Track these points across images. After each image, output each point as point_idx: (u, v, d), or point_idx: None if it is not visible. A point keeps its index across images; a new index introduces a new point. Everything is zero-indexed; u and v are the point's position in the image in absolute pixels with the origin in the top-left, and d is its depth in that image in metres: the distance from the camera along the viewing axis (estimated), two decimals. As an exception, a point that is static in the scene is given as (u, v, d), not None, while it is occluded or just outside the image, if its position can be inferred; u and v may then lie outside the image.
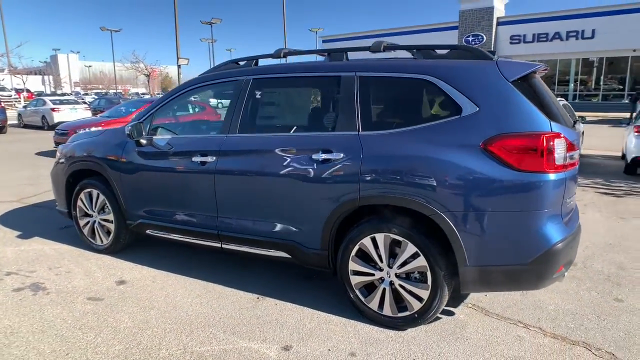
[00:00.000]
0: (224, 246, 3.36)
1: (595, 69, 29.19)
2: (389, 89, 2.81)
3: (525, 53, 30.20)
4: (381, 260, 2.73)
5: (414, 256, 2.62)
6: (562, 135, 2.37)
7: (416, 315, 2.68)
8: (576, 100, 28.39)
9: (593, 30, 27.03)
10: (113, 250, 4.03)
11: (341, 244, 2.85)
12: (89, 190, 4.04)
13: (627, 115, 19.51)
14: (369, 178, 2.64)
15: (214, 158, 3.21)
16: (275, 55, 3.30)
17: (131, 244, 4.15)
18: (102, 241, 4.07)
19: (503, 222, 2.40)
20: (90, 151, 3.98)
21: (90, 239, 4.16)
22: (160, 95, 4.34)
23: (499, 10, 31.20)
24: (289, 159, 2.93)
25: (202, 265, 3.81)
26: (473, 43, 31.65)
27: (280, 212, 3.03)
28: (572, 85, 29.48)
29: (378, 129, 2.71)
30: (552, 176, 2.34)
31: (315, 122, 3.09)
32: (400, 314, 2.73)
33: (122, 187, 3.73)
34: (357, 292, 2.85)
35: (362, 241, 2.75)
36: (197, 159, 3.29)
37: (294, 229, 2.99)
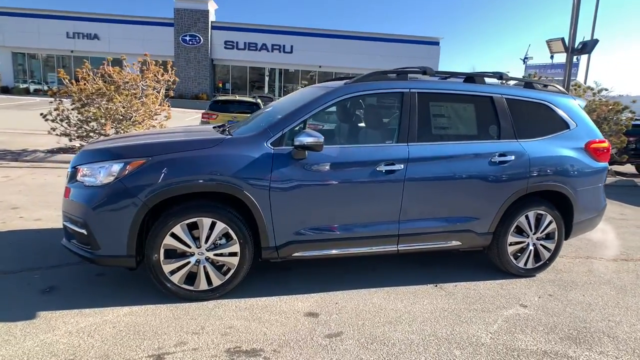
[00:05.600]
0: (400, 248, 3.56)
1: (294, 79, 35.77)
2: (525, 108, 3.90)
3: (238, 59, 33.70)
4: (531, 230, 3.87)
5: (549, 223, 3.91)
6: (606, 140, 4.23)
7: (547, 262, 3.99)
8: (282, 103, 34.12)
9: (292, 46, 33.15)
10: (221, 292, 3.22)
11: (501, 224, 3.78)
12: (192, 220, 3.04)
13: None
14: (534, 173, 3.72)
15: (402, 166, 3.39)
16: (429, 72, 3.75)
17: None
18: (209, 283, 3.17)
19: (593, 191, 4.04)
20: (202, 170, 3.02)
21: (184, 285, 3.13)
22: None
23: (212, 14, 33.25)
24: (473, 163, 3.59)
25: (332, 277, 3.70)
26: (190, 43, 32.56)
27: (463, 207, 3.61)
28: (276, 92, 35.00)
29: (527, 138, 3.80)
30: (607, 164, 4.16)
31: (482, 132, 3.75)
32: (536, 264, 3.96)
33: (272, 207, 3.14)
34: (511, 257, 3.87)
35: (519, 219, 3.80)
36: (381, 168, 3.34)
37: (472, 219, 3.66)
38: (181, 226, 3.03)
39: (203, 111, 10.98)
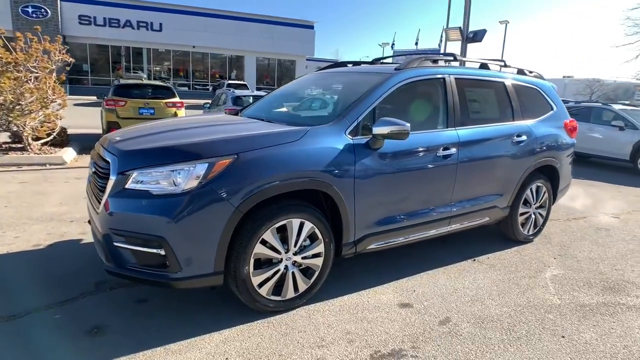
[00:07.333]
0: (449, 229, 3.71)
1: (165, 60, 32.79)
2: (525, 93, 4.33)
3: (97, 36, 29.67)
4: (533, 201, 4.40)
5: (544, 194, 4.49)
6: (570, 120, 4.96)
7: (541, 227, 4.60)
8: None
9: (161, 24, 30.28)
10: (307, 298, 2.95)
11: (516, 198, 4.21)
12: (282, 223, 2.71)
13: (208, 101, 24.27)
14: (539, 150, 4.21)
15: (455, 150, 3.51)
16: (458, 59, 3.88)
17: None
18: (296, 290, 2.88)
19: (569, 163, 4.75)
20: (296, 167, 2.70)
21: (272, 296, 2.79)
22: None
23: (59, -16, 28.33)
24: (502, 143, 3.91)
25: (384, 266, 3.69)
26: (34, 16, 27.47)
27: (494, 185, 3.92)
28: (146, 74, 31.67)
29: (530, 119, 4.27)
30: (575, 140, 4.91)
31: (502, 115, 4.03)
32: (535, 230, 4.54)
33: (356, 201, 2.97)
34: (520, 226, 4.36)
35: (527, 192, 4.29)
36: (440, 153, 3.42)
37: (499, 195, 4.00)
38: (271, 231, 2.68)
39: (106, 97, 9.44)
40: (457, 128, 3.60)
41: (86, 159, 8.11)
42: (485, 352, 2.52)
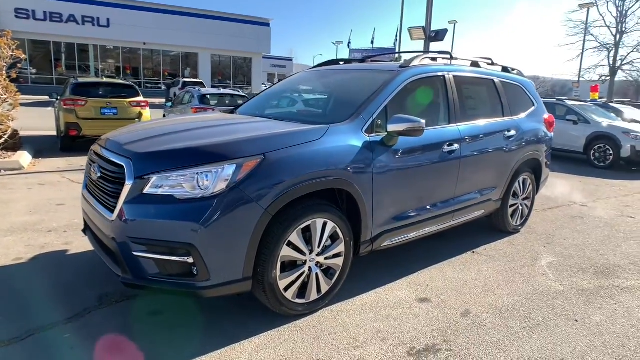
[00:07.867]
0: (452, 223, 3.79)
1: (113, 57, 31.14)
2: (511, 90, 4.50)
3: (37, 31, 27.78)
4: (521, 193, 4.59)
5: (530, 185, 4.71)
6: (547, 115, 5.23)
7: (527, 218, 4.82)
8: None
9: (108, 20, 28.74)
10: (329, 299, 2.92)
11: (507, 190, 4.38)
12: (307, 223, 2.65)
13: (162, 100, 23.34)
14: (526, 144, 4.40)
15: (458, 146, 3.60)
16: (452, 57, 3.97)
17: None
18: (319, 291, 2.83)
19: (548, 155, 4.99)
20: (321, 166, 2.64)
21: (297, 300, 2.72)
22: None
23: (-9, -26, 26.14)
24: (496, 138, 4.05)
25: (389, 262, 3.72)
26: (-38, 7, 25.08)
27: (489, 179, 4.05)
28: (93, 71, 29.92)
29: (516, 115, 4.45)
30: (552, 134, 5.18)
31: (494, 111, 4.14)
32: (522, 221, 4.74)
33: (374, 198, 2.96)
34: (510, 217, 4.54)
35: (515, 184, 4.47)
36: (446, 149, 3.49)
37: (493, 188, 4.14)
38: (297, 232, 2.61)
39: (64, 98, 8.81)
40: (458, 124, 3.68)
41: (44, 163, 7.55)
42: (512, 340, 2.60)
